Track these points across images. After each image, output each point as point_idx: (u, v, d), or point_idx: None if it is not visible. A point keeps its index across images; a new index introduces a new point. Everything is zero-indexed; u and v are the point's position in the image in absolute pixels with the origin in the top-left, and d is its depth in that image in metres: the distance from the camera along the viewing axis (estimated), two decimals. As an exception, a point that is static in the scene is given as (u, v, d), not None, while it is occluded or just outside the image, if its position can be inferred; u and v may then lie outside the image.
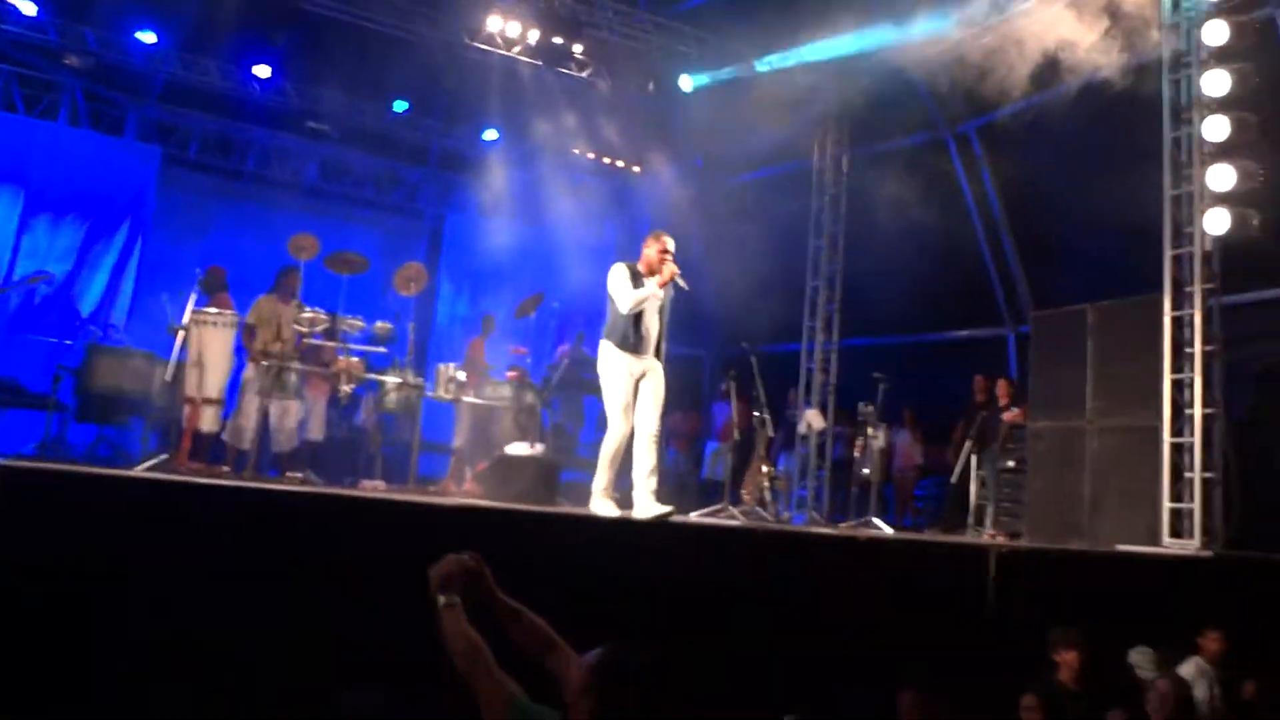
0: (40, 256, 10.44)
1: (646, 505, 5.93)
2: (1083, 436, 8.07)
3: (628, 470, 6.06)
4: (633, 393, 6.10)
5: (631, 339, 6.09)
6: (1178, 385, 7.37)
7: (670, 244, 6.20)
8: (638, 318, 6.12)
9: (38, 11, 10.38)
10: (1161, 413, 7.37)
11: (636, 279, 6.16)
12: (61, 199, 10.86)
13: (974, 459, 9.32)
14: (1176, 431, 7.31)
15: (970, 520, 9.23)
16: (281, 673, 3.63)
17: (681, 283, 6.18)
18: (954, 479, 9.47)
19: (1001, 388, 9.43)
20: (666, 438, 11.96)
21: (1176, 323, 7.42)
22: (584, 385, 11.19)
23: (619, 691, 2.36)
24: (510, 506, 5.95)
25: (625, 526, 5.23)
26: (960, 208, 11.42)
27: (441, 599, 2.63)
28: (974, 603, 5.42)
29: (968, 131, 11.34)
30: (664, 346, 6.29)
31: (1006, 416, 9.17)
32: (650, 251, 6.22)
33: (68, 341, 8.82)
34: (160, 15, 10.65)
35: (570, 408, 11.93)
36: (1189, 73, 7.43)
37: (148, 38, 10.72)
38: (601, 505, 5.97)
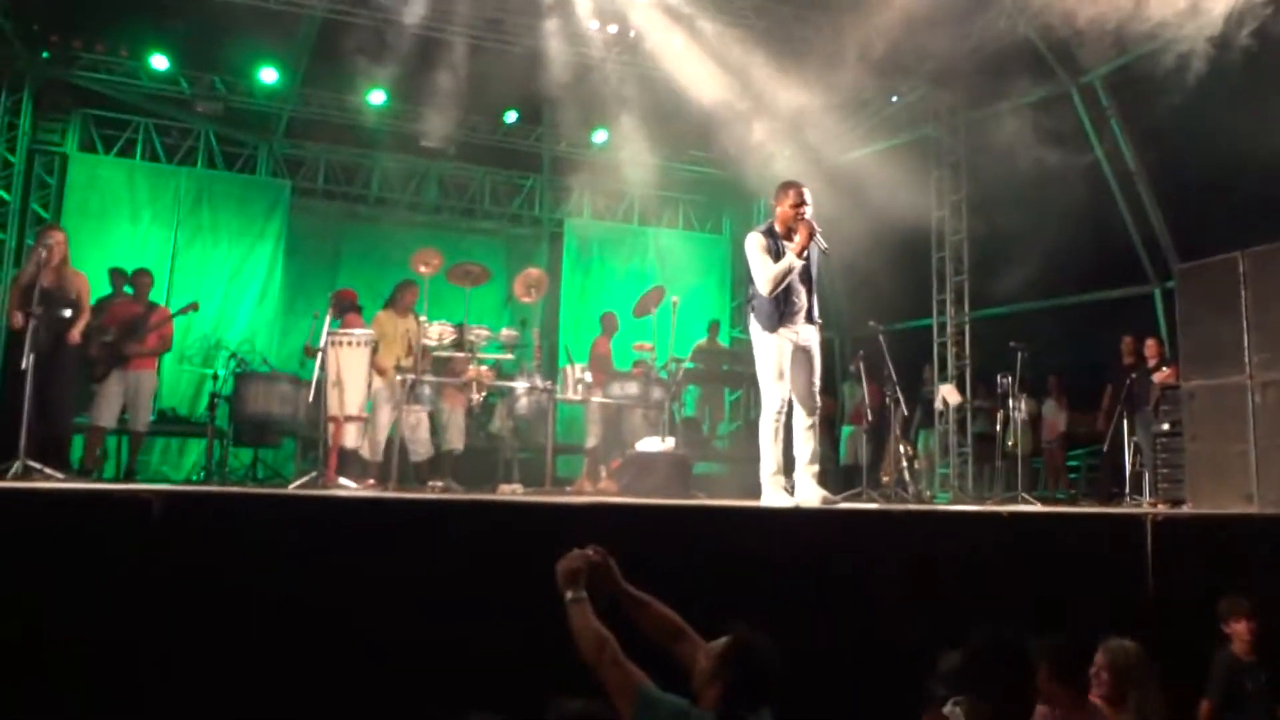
0: (190, 292, 11.09)
1: (810, 491, 5.63)
2: (1243, 393, 7.56)
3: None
4: (789, 363, 5.63)
5: (779, 315, 5.61)
6: (1345, 330, 6.84)
7: (807, 195, 5.63)
8: (784, 289, 5.62)
9: (168, 65, 11.06)
10: (1329, 360, 6.85)
11: (774, 243, 5.64)
12: (207, 237, 11.53)
13: (1126, 425, 8.87)
14: (1348, 380, 6.78)
15: (1127, 489, 8.79)
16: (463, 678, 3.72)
17: (821, 242, 5.62)
18: (1105, 447, 9.03)
19: (1150, 347, 8.95)
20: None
21: (1339, 263, 6.89)
22: (722, 376, 11.19)
23: (747, 678, 2.35)
24: (642, 501, 5.97)
25: (754, 514, 5.16)
26: (1090, 162, 10.87)
27: (568, 594, 2.66)
28: (1133, 577, 5.15)
29: (1093, 81, 10.79)
30: (815, 309, 5.77)
31: (1158, 377, 8.70)
32: (783, 209, 5.65)
33: (220, 371, 9.32)
34: (279, 54, 11.18)
35: (707, 400, 11.95)
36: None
37: (269, 75, 11.27)
38: (773, 493, 5.61)
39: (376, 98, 11.65)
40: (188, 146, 11.92)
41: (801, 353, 5.71)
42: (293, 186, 12.28)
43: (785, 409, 5.64)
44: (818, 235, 5.60)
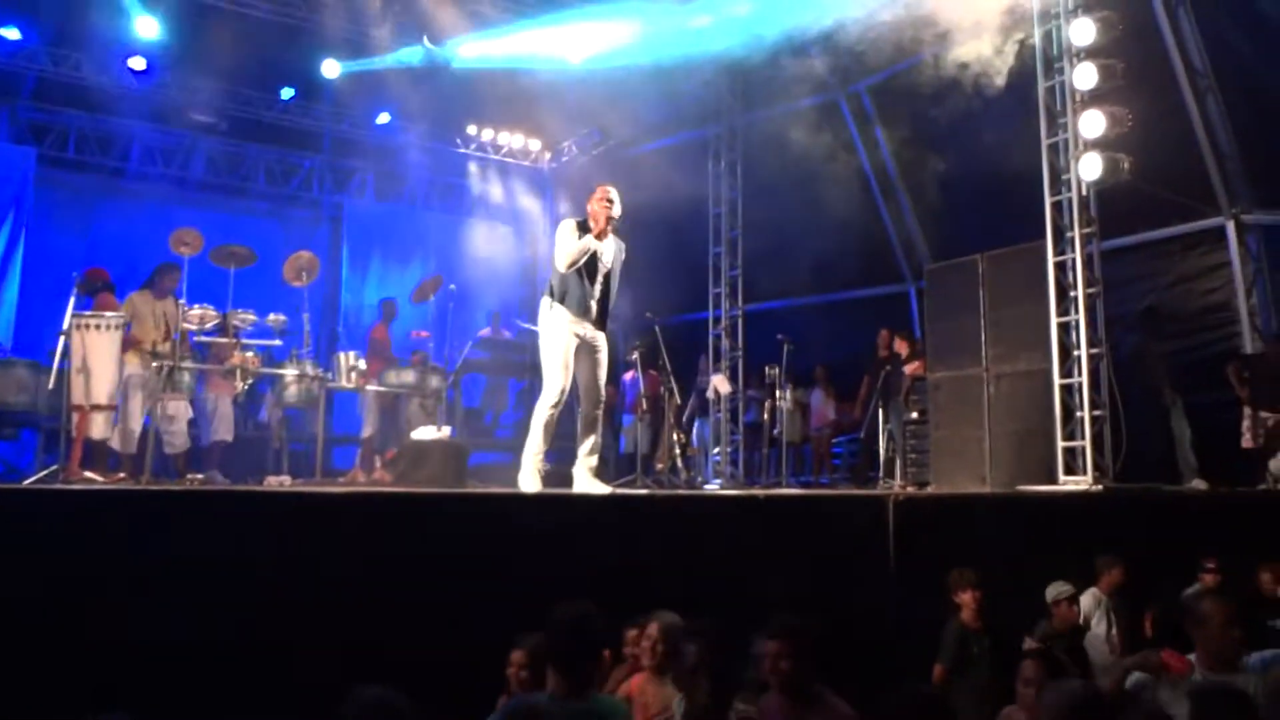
0: (-88, 267, 10.01)
1: (585, 482, 5.81)
2: (980, 384, 8.28)
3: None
4: (574, 357, 5.79)
5: (576, 299, 5.78)
6: (1064, 328, 7.59)
7: (613, 193, 5.88)
8: (582, 277, 5.79)
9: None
10: (1050, 355, 7.59)
11: (582, 234, 5.83)
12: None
13: (880, 413, 9.52)
14: (1066, 373, 7.53)
15: (881, 473, 9.43)
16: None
17: (616, 247, 5.92)
18: (862, 434, 9.65)
19: (900, 342, 9.61)
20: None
21: (1059, 268, 7.64)
22: (508, 366, 11.16)
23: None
24: (410, 490, 5.88)
25: (526, 502, 5.21)
26: (856, 167, 11.58)
27: None
28: (877, 552, 5.53)
29: (859, 91, 11.48)
30: (608, 315, 5.98)
31: (908, 369, 9.36)
32: (593, 205, 5.88)
33: (-54, 355, 8.44)
34: (26, 10, 10.22)
35: (493, 391, 11.88)
36: (1058, 23, 7.63)
37: (11, 34, 10.28)
38: (528, 478, 5.74)
39: (136, 63, 10.83)
40: (-91, 104, 10.70)
41: (588, 347, 5.87)
42: (39, 154, 11.23)
43: (562, 400, 5.77)
44: (613, 240, 5.89)
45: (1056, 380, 7.54)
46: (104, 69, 10.96)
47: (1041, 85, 7.75)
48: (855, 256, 11.46)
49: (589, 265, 5.84)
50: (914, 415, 9.16)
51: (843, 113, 11.62)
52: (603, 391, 5.97)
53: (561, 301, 5.80)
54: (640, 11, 10.36)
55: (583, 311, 5.81)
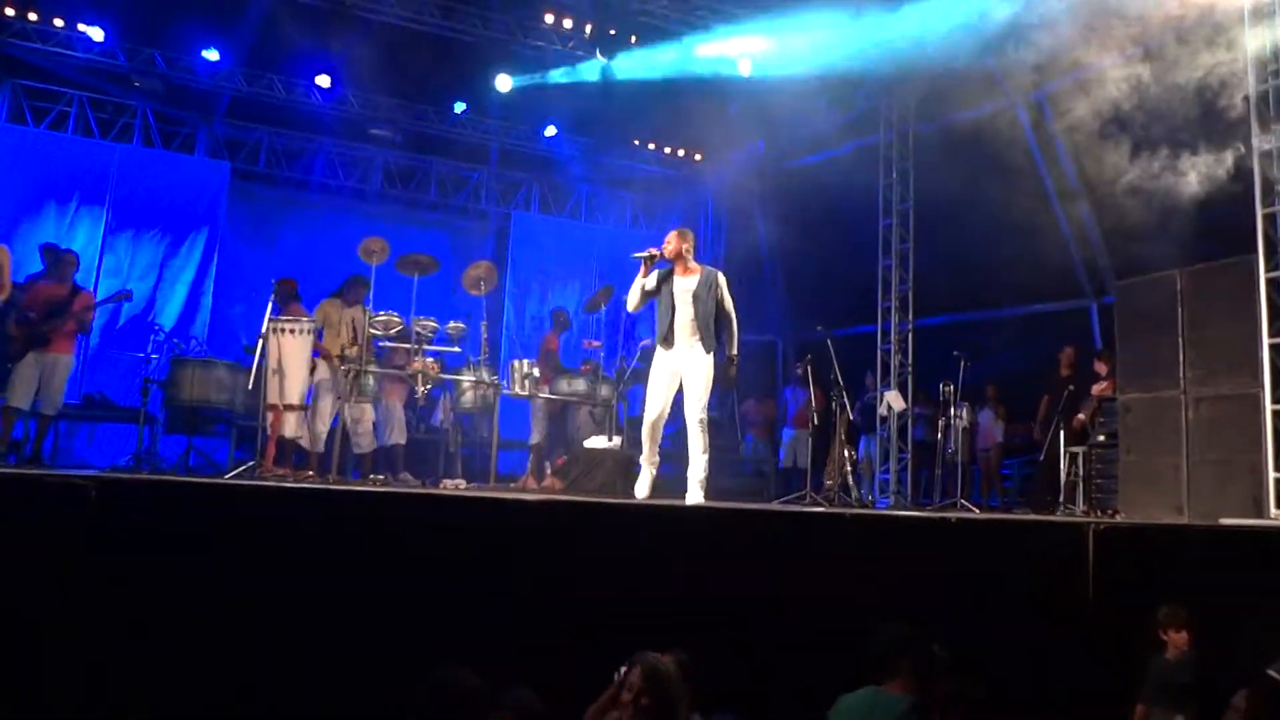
0: (122, 274, 10.75)
1: (693, 494, 6.18)
2: (1177, 407, 7.78)
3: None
4: (664, 381, 6.30)
5: (662, 332, 6.34)
6: (1276, 349, 7.06)
7: (669, 235, 6.46)
8: (667, 313, 6.33)
9: (105, 37, 10.69)
10: (1261, 379, 7.06)
11: (667, 276, 6.39)
12: (140, 217, 11.17)
13: (1062, 435, 9.05)
14: (1278, 399, 7.00)
15: (1061, 499, 8.97)
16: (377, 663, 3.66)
17: (646, 254, 6.35)
18: (1042, 457, 9.20)
19: (1100, 363, 9.14)
20: (743, 426, 11.91)
21: (1273, 284, 7.11)
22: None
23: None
24: (589, 499, 5.91)
25: (702, 515, 5.15)
26: (1034, 177, 11.09)
27: None
28: (1074, 583, 5.24)
29: (1039, 100, 11.00)
30: (706, 334, 6.31)
31: (1095, 389, 8.88)
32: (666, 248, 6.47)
33: (153, 356, 9.01)
34: (223, 34, 10.87)
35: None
36: (1271, 22, 7.11)
37: (211, 56, 10.97)
38: (640, 481, 6.38)
39: (323, 81, 11.40)
40: (123, 123, 11.52)
41: (681, 370, 6.31)
42: (233, 168, 11.94)
43: (654, 419, 6.35)
44: (700, 274, 6.39)
45: (1268, 406, 7.02)
46: (292, 87, 11.57)
47: (1253, 89, 7.23)
48: (1032, 270, 10.94)
49: (666, 302, 6.36)
50: (1100, 438, 8.67)
51: (1020, 121, 11.14)
52: (698, 408, 6.28)
53: (655, 339, 6.45)
54: (810, 20, 10.22)
55: (666, 342, 6.34)
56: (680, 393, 6.33)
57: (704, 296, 6.35)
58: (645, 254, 6.34)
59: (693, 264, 6.45)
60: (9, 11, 10.29)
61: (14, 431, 8.01)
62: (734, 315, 6.42)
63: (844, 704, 3.54)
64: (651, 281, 6.38)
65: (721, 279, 6.47)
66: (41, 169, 10.80)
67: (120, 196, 11.09)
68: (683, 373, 6.31)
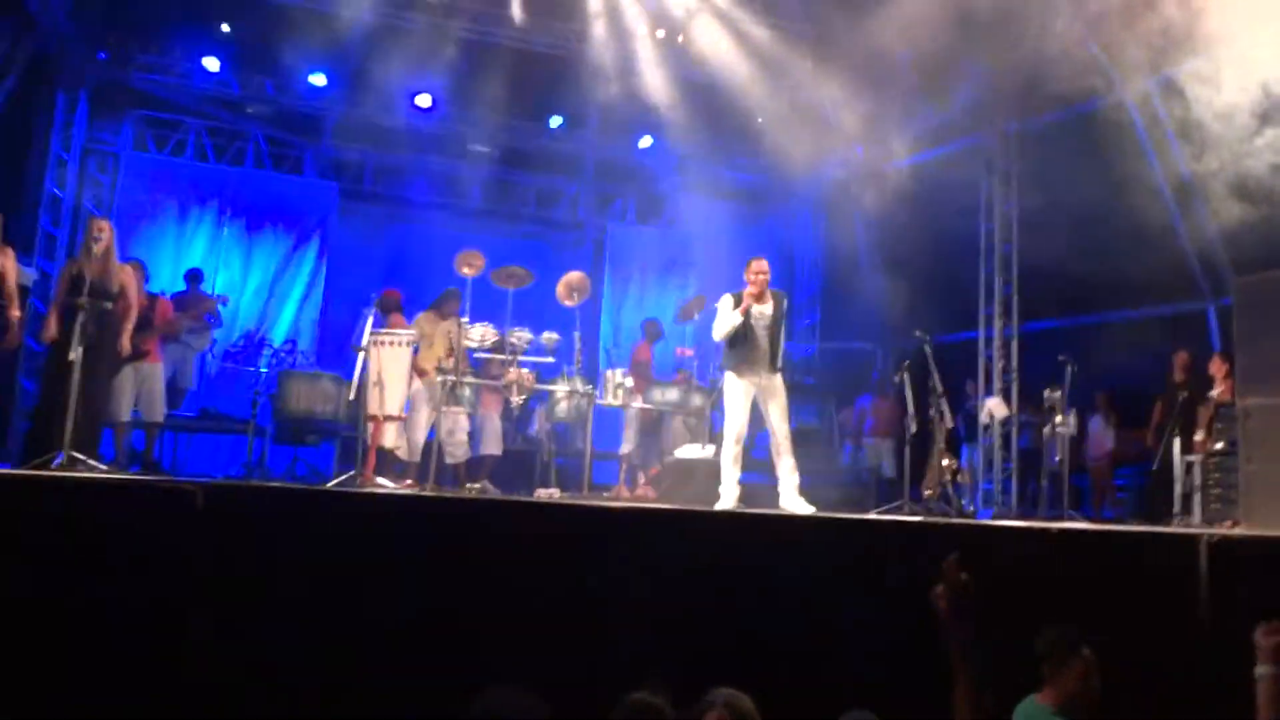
0: (236, 292, 11.26)
1: (792, 502, 6.59)
2: (1303, 413, 7.33)
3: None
4: (748, 401, 6.73)
5: (742, 357, 6.76)
6: None
7: (764, 265, 6.91)
8: (746, 339, 6.74)
9: (221, 68, 11.23)
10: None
11: (738, 302, 6.80)
12: (252, 236, 11.69)
13: (1178, 443, 8.64)
14: None
15: (1177, 509, 8.55)
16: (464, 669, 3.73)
17: (760, 307, 6.80)
18: (1156, 465, 8.80)
19: (1217, 364, 8.70)
20: (841, 434, 11.72)
21: (1406, 279, 6.65)
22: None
23: None
24: (684, 508, 5.91)
25: (799, 524, 5.10)
26: (1146, 174, 10.62)
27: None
28: (1185, 598, 5.00)
29: (1149, 90, 10.54)
30: (778, 356, 6.87)
31: (1215, 393, 8.45)
32: (748, 276, 6.89)
33: (263, 369, 9.39)
34: (329, 58, 11.28)
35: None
36: None
37: (318, 81, 11.40)
38: (726, 500, 6.67)
39: (423, 101, 11.72)
40: (237, 147, 12.07)
41: (764, 391, 6.79)
42: (340, 188, 12.38)
43: (737, 438, 6.73)
44: (771, 300, 6.86)
45: (1402, 409, 6.55)
46: (394, 108, 11.92)
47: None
48: (1144, 271, 10.50)
49: (749, 327, 6.77)
50: (1219, 446, 8.24)
51: (1131, 114, 10.70)
52: (785, 424, 6.82)
53: (729, 364, 6.83)
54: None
55: (749, 366, 6.76)
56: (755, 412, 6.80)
57: (779, 320, 6.87)
58: (747, 302, 6.74)
59: (767, 290, 6.91)
60: (132, 47, 10.92)
61: (136, 444, 8.45)
62: None
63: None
64: (737, 318, 6.79)
65: (786, 302, 7.05)
66: (162, 192, 11.41)
67: (234, 217, 11.64)
68: (762, 395, 6.75)
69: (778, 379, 6.87)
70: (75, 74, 10.89)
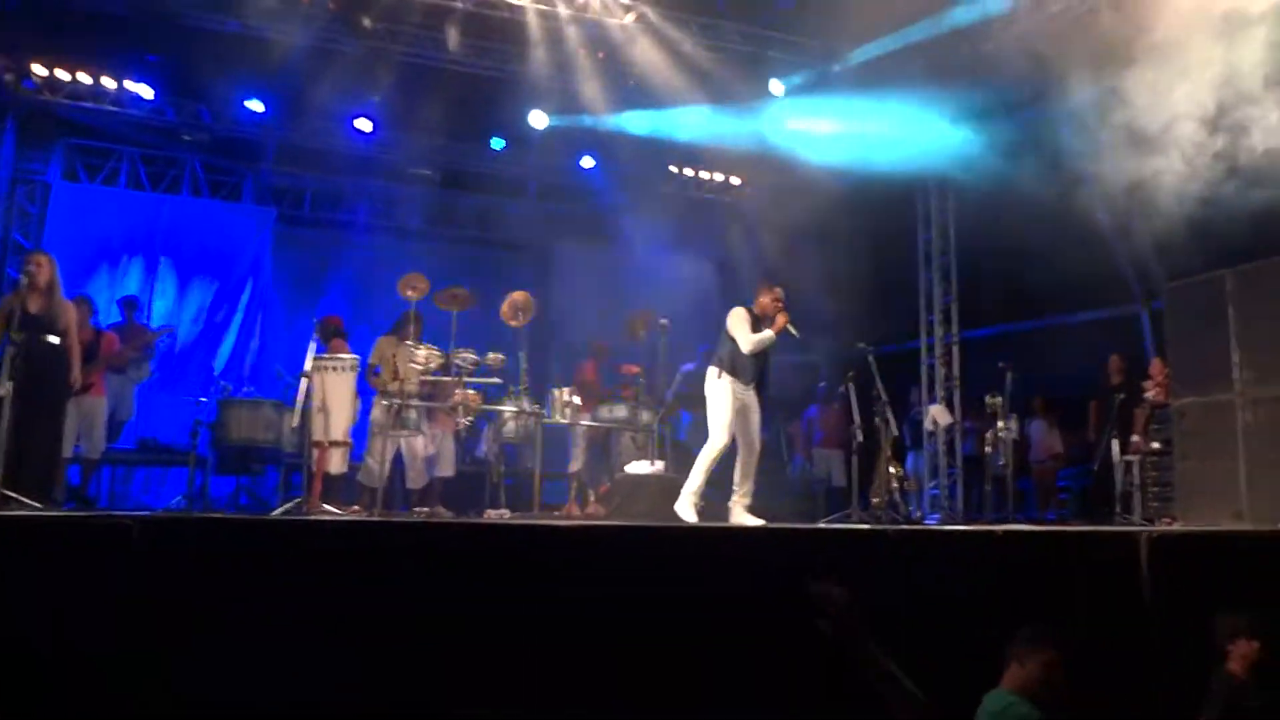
0: (173, 320, 11.04)
1: (742, 516, 6.77)
2: (1232, 410, 7.57)
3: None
4: (737, 416, 6.87)
5: (745, 373, 6.94)
6: (1334, 347, 6.85)
7: (781, 294, 7.14)
8: (755, 356, 6.94)
9: (155, 95, 11.04)
10: (1319, 378, 6.85)
11: (756, 323, 7.01)
12: (190, 265, 11.50)
13: (1115, 444, 8.85)
14: (1338, 397, 6.78)
15: (1117, 508, 8.75)
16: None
17: (793, 330, 7.04)
18: (1095, 466, 9.00)
19: (1157, 366, 8.93)
20: (790, 446, 11.80)
21: (1325, 280, 6.91)
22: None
23: None
24: (633, 524, 5.90)
25: (750, 536, 5.12)
26: (1081, 180, 10.86)
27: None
28: (1127, 594, 5.10)
29: (1085, 97, 10.78)
30: (767, 378, 7.15)
31: (1149, 395, 8.68)
32: (765, 300, 7.12)
33: (202, 399, 9.20)
34: (266, 84, 11.16)
35: (699, 425, 11.83)
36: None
37: (256, 107, 11.26)
38: (686, 508, 6.72)
39: (363, 125, 11.64)
40: (173, 175, 11.87)
41: (749, 408, 7.02)
42: (279, 213, 12.22)
43: (723, 452, 6.86)
44: (789, 326, 7.05)
45: (1327, 405, 6.78)
46: (333, 132, 11.82)
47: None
48: (1079, 277, 10.74)
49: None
50: (1155, 445, 8.46)
51: (1067, 123, 10.93)
52: (759, 442, 7.08)
53: (732, 374, 6.92)
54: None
55: (748, 382, 6.98)
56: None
57: (774, 348, 7.14)
58: (781, 321, 7.03)
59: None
60: (61, 74, 10.67)
61: (71, 479, 8.22)
62: None
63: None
64: (769, 335, 7.04)
65: None
66: (95, 223, 11.15)
67: (170, 246, 11.43)
68: (746, 410, 6.97)
69: (756, 398, 7.12)
70: (1, 102, 10.65)
